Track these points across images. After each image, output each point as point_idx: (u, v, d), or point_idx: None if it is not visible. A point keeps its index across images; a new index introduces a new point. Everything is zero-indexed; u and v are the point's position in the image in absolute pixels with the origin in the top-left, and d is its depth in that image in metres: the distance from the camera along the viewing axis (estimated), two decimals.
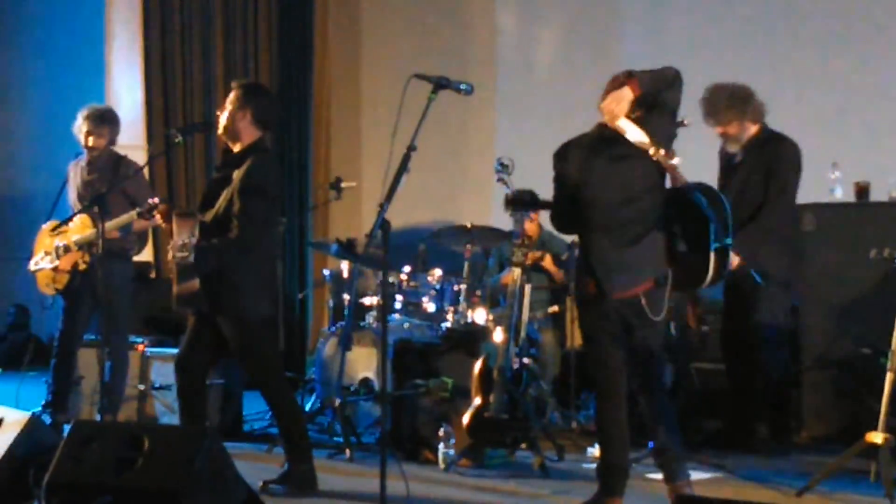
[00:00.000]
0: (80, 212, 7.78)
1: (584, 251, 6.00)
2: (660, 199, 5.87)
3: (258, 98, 6.49)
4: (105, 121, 8.19)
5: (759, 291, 7.35)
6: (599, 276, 5.85)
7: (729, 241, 5.83)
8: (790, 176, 7.52)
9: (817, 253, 7.96)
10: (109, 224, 7.30)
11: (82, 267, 7.87)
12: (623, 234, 5.83)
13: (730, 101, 7.44)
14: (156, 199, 7.24)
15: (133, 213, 7.46)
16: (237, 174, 6.27)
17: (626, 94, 5.72)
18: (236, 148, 6.44)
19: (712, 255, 5.75)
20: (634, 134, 5.76)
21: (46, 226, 8.11)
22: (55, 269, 7.98)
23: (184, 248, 6.12)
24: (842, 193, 8.09)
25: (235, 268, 6.24)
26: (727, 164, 7.68)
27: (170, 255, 6.25)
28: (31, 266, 8.12)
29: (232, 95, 6.47)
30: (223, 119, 6.44)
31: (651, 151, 5.70)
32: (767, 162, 7.47)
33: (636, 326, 5.87)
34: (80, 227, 7.86)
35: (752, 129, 7.53)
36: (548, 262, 8.88)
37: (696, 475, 6.64)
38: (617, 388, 5.94)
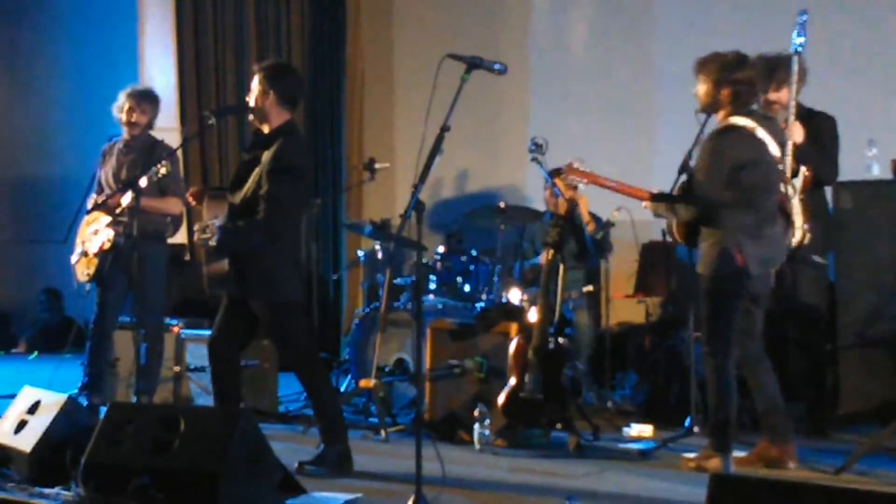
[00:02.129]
0: (113, 193, 7.80)
1: (743, 231, 6.33)
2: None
3: (282, 78, 6.45)
4: (147, 98, 8.21)
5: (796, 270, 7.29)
6: (750, 252, 6.33)
7: None
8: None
9: (854, 231, 7.89)
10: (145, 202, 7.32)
11: (107, 246, 7.89)
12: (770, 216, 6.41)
13: (784, 67, 7.26)
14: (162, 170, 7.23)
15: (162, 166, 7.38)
16: (266, 156, 6.26)
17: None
18: (266, 129, 6.43)
19: None
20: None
21: (86, 218, 8.13)
22: (85, 255, 8.01)
23: (206, 229, 6.11)
24: (879, 170, 8.03)
25: (265, 252, 6.23)
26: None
27: (195, 237, 6.25)
28: (72, 259, 8.15)
29: (256, 78, 6.45)
30: (251, 102, 6.44)
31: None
32: (813, 137, 7.32)
33: (763, 297, 6.56)
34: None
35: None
36: (583, 207, 8.77)
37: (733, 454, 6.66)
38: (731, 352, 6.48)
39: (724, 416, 6.36)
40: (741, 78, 6.35)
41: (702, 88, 6.48)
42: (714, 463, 6.25)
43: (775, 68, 7.15)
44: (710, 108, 6.47)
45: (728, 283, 6.35)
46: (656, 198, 6.46)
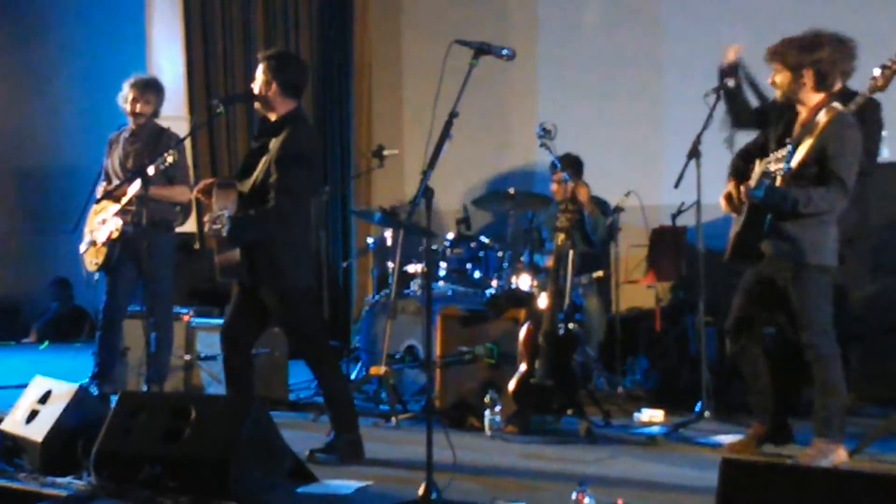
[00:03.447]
0: (121, 183, 7.80)
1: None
2: None
3: (285, 67, 6.43)
4: (151, 88, 8.21)
5: None
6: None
7: None
8: None
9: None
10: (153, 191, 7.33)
11: (115, 235, 7.89)
12: None
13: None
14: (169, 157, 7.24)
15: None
16: (274, 143, 6.26)
17: None
18: (272, 117, 6.42)
19: None
20: None
21: (94, 208, 8.13)
22: (94, 244, 8.01)
23: (217, 220, 6.08)
24: (889, 154, 8.00)
25: (275, 239, 6.22)
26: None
27: (206, 228, 6.24)
28: (81, 248, 8.15)
29: (260, 68, 6.43)
30: (256, 91, 6.43)
31: None
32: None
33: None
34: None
35: None
36: (583, 195, 8.76)
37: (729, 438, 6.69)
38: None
39: (843, 402, 6.23)
40: (823, 57, 6.13)
41: (780, 76, 6.22)
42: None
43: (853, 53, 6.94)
44: (791, 95, 6.22)
45: (834, 270, 6.24)
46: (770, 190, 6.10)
